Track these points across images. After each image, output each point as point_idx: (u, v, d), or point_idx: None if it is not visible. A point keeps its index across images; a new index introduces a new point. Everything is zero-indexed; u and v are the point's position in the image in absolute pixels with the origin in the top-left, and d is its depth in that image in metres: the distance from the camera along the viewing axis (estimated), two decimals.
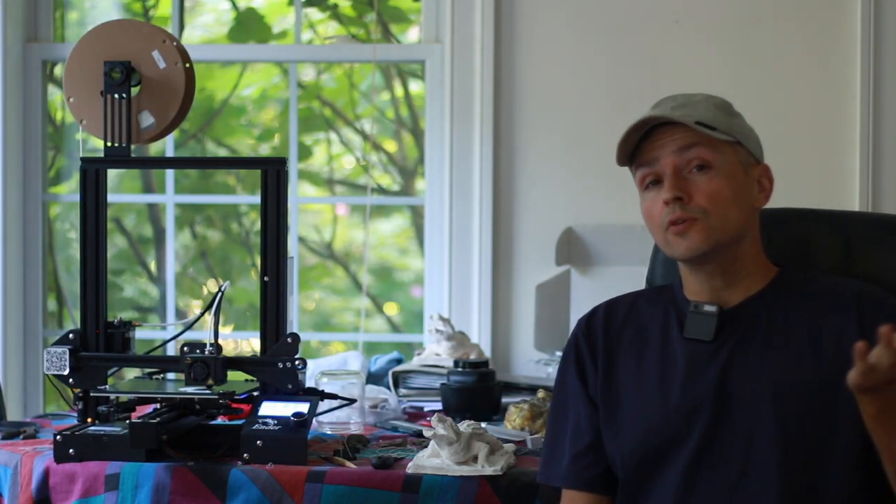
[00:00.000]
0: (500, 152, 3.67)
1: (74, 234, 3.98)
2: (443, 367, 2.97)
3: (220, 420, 2.46)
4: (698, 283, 1.86)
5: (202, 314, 2.46)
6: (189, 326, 2.53)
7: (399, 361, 3.36)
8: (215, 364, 2.35)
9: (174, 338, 2.67)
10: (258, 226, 2.48)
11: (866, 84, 3.57)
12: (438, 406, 2.81)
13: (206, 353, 2.36)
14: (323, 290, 4.18)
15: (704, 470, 1.79)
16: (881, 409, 1.65)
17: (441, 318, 3.20)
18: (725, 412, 1.79)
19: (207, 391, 2.34)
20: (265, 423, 2.26)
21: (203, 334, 2.98)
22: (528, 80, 3.68)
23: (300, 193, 4.02)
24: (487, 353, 3.48)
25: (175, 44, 2.51)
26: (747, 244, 1.84)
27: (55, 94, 4.01)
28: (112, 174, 2.66)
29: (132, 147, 2.50)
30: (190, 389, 2.35)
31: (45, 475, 2.24)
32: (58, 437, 2.26)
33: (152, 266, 4.16)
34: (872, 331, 1.69)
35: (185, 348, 2.38)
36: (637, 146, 1.84)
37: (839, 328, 1.78)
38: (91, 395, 2.40)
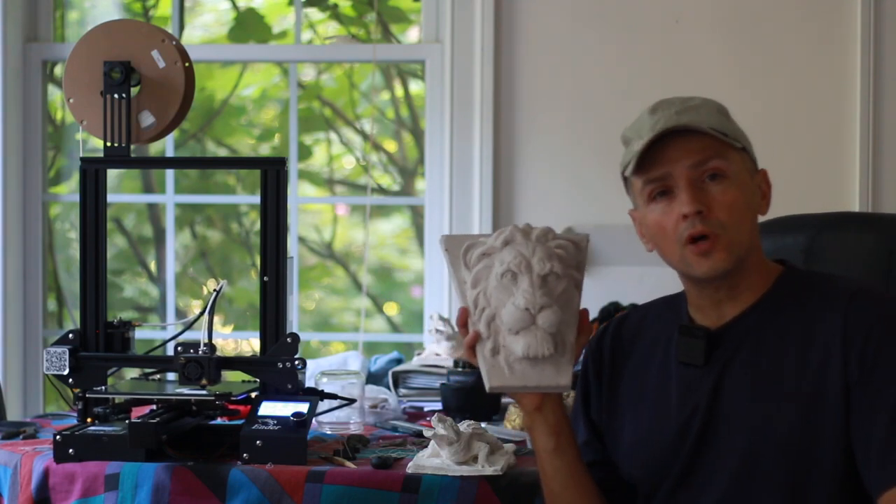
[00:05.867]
0: (499, 152, 3.67)
1: (74, 234, 3.98)
2: (443, 367, 2.97)
3: (219, 420, 2.46)
4: (702, 296, 1.78)
5: (201, 314, 2.45)
6: (189, 326, 2.52)
7: (399, 361, 3.36)
8: (209, 364, 2.34)
9: (174, 338, 2.66)
10: (258, 226, 2.48)
11: (866, 84, 3.57)
12: (438, 406, 2.81)
13: (200, 352, 2.36)
14: (323, 290, 4.18)
15: (683, 500, 1.77)
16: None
17: (441, 318, 3.20)
18: (711, 439, 1.75)
19: (203, 392, 2.33)
20: (265, 423, 2.25)
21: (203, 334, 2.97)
22: (527, 79, 3.68)
23: (300, 193, 4.02)
24: None
25: (175, 43, 2.50)
26: (752, 254, 1.75)
27: (55, 94, 4.01)
28: (112, 174, 2.66)
29: (132, 147, 2.49)
30: (186, 391, 2.35)
31: (45, 475, 2.24)
32: (57, 437, 2.25)
33: (152, 266, 4.16)
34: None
35: (179, 348, 2.37)
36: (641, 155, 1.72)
37: (827, 333, 1.69)
38: (87, 396, 2.40)
